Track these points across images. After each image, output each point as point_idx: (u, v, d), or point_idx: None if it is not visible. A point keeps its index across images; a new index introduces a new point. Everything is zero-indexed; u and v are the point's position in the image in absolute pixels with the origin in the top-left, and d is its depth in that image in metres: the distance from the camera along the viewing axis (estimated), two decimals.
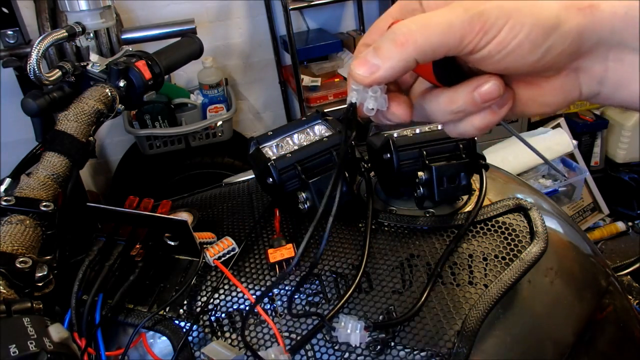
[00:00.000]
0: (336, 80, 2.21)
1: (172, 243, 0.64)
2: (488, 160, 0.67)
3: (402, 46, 0.30)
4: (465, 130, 0.35)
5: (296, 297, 0.60)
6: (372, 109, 0.34)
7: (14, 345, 0.38)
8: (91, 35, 0.88)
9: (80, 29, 0.81)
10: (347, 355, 0.54)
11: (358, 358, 0.54)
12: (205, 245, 0.65)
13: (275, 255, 0.63)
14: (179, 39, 0.88)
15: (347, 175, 0.63)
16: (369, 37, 0.37)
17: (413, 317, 0.55)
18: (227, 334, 0.59)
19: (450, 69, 0.33)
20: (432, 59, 0.31)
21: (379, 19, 0.37)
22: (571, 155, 2.06)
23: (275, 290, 0.61)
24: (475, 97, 0.32)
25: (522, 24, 0.29)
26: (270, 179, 0.64)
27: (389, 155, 0.64)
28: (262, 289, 0.62)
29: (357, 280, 0.58)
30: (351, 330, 0.52)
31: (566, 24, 0.29)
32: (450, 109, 0.34)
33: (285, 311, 0.59)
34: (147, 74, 0.73)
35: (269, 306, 0.60)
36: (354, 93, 0.34)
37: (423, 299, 0.55)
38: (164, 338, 0.60)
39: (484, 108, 0.33)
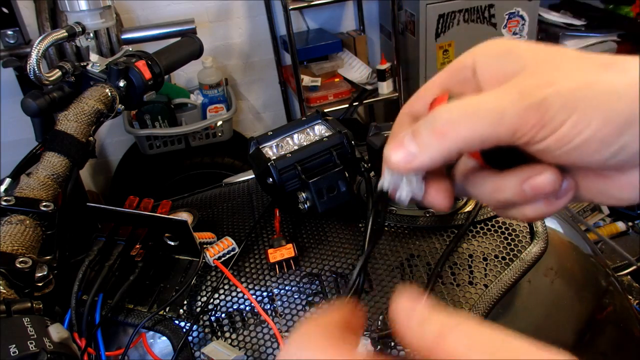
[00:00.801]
0: (336, 80, 2.21)
1: (172, 243, 0.64)
2: None
3: (443, 137, 0.26)
4: (515, 217, 0.31)
5: (296, 297, 0.60)
6: (406, 197, 0.31)
7: (14, 345, 0.38)
8: (91, 35, 0.88)
9: (80, 29, 0.81)
10: None
11: None
12: (205, 245, 0.65)
13: (275, 255, 0.63)
14: (179, 39, 0.88)
15: (347, 175, 0.63)
16: (412, 105, 0.32)
17: None
18: (227, 334, 0.59)
19: (500, 152, 0.27)
20: (480, 150, 0.27)
21: (424, 85, 0.32)
22: None
23: (275, 290, 0.61)
24: (526, 190, 0.28)
25: (590, 119, 0.24)
26: (270, 179, 0.64)
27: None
28: (262, 289, 0.62)
29: (357, 281, 0.58)
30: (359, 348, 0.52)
31: None
32: (496, 198, 0.30)
33: (286, 311, 0.59)
34: (147, 74, 0.73)
35: (269, 306, 0.60)
36: (387, 177, 0.31)
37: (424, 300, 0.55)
38: (164, 338, 0.60)
39: (537, 200, 0.29)
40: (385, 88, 2.16)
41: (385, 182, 0.31)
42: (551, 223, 0.69)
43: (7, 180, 0.63)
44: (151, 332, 0.60)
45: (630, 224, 2.04)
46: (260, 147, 0.68)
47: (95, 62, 0.73)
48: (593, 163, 0.26)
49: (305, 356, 0.22)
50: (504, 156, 0.28)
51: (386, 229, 0.65)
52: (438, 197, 0.31)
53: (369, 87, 2.19)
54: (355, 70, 2.26)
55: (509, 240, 0.61)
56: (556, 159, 0.26)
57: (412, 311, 0.23)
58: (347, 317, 0.24)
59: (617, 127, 0.24)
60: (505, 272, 0.57)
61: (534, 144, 0.26)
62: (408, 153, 0.27)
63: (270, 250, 0.63)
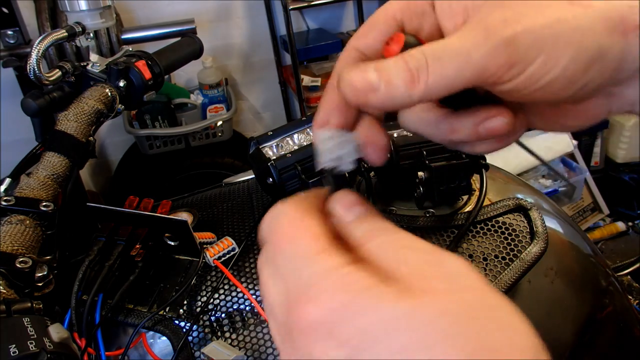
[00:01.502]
0: None
1: (172, 243, 0.64)
2: (488, 161, 0.67)
3: (413, 84, 0.25)
4: (464, 151, 0.31)
5: None
6: (348, 164, 0.29)
7: (14, 345, 0.38)
8: (91, 35, 0.88)
9: (80, 29, 0.81)
10: None
11: None
12: (205, 245, 0.65)
13: None
14: (179, 39, 0.88)
15: (347, 175, 0.63)
16: (362, 38, 0.30)
17: None
18: (227, 334, 0.59)
19: (458, 93, 0.27)
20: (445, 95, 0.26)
21: (375, 15, 0.30)
22: (571, 155, 2.06)
23: None
24: (481, 131, 0.28)
25: (559, 57, 0.24)
26: (270, 179, 0.64)
27: (389, 155, 0.64)
28: None
29: None
30: None
31: (609, 53, 0.24)
32: (450, 138, 0.30)
33: None
34: (147, 74, 0.73)
35: None
36: (325, 155, 0.29)
37: None
38: (164, 338, 0.60)
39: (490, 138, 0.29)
40: None
41: (325, 159, 0.29)
42: (551, 223, 0.69)
43: (7, 180, 0.63)
44: (151, 332, 0.60)
45: (630, 224, 2.04)
46: (260, 147, 0.68)
47: (95, 62, 0.73)
48: (556, 99, 0.26)
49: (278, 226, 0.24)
50: (459, 96, 0.27)
51: None
52: (374, 155, 0.31)
53: None
54: None
55: (509, 240, 0.61)
56: (519, 97, 0.26)
57: (347, 210, 0.26)
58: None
59: (584, 64, 0.24)
60: (505, 272, 0.57)
61: (501, 84, 0.25)
62: (370, 84, 0.25)
63: None
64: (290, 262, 0.23)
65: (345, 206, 0.26)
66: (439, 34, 0.28)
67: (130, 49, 0.79)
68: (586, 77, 0.25)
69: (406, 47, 0.26)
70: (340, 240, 0.24)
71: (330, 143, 0.29)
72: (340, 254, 0.22)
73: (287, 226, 0.24)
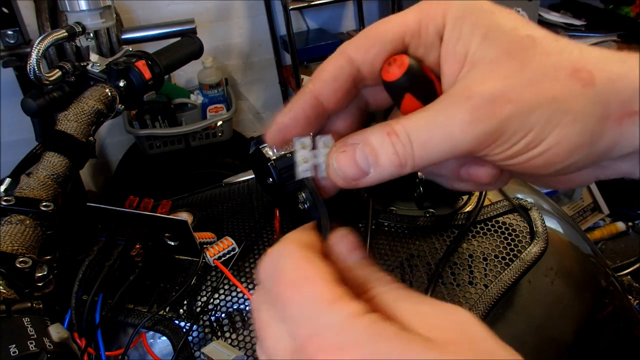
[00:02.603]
0: None
1: (172, 243, 0.64)
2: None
3: (401, 167, 0.25)
4: (441, 183, 0.30)
5: None
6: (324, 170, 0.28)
7: (14, 345, 0.38)
8: (91, 35, 0.88)
9: (80, 29, 0.81)
10: None
11: None
12: (205, 245, 0.65)
13: None
14: (179, 39, 0.88)
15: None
16: (359, 49, 0.27)
17: None
18: (227, 334, 0.59)
19: None
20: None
21: (382, 30, 0.27)
22: None
23: None
24: (463, 174, 0.28)
25: (545, 138, 0.23)
26: (270, 179, 0.64)
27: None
28: None
29: None
30: None
31: (600, 142, 0.23)
32: (430, 170, 0.29)
33: None
34: (147, 74, 0.73)
35: None
36: (301, 166, 0.28)
37: None
38: (164, 338, 0.60)
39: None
40: None
41: (303, 169, 0.28)
42: (551, 223, 0.69)
43: (7, 180, 0.63)
44: (151, 332, 0.60)
45: (630, 223, 2.04)
46: (260, 147, 0.68)
47: (95, 62, 0.73)
48: (536, 173, 0.25)
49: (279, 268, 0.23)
50: None
51: (386, 229, 0.65)
52: (329, 186, 0.31)
53: None
54: None
55: (509, 240, 0.61)
56: (502, 167, 0.26)
57: (350, 253, 0.25)
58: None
59: (569, 151, 0.23)
60: (505, 272, 0.57)
61: (483, 156, 0.25)
62: (361, 171, 0.26)
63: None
64: (301, 309, 0.22)
65: (348, 248, 0.25)
66: (438, 69, 0.27)
67: (130, 49, 0.79)
68: (570, 160, 0.24)
69: (408, 72, 0.26)
70: (344, 282, 0.24)
71: (306, 152, 0.28)
72: (356, 301, 0.22)
73: (293, 271, 0.23)
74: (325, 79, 0.28)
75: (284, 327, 0.22)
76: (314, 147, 0.28)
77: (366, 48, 0.27)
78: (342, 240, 0.26)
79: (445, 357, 0.19)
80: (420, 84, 0.26)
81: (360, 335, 0.20)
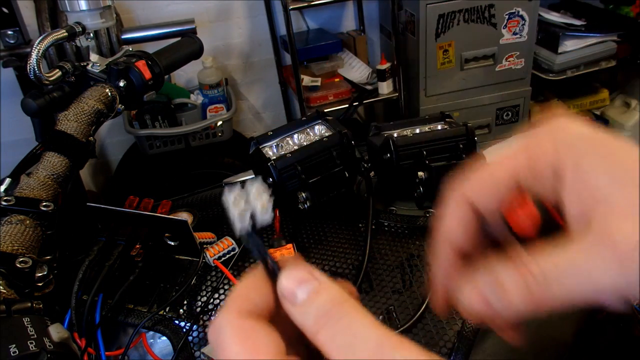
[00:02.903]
0: (336, 80, 2.21)
1: (172, 243, 0.64)
2: (488, 160, 0.67)
3: (532, 305, 0.24)
4: (459, 310, 0.29)
5: None
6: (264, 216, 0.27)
7: (14, 345, 0.37)
8: (91, 35, 0.88)
9: (80, 29, 0.81)
10: None
11: None
12: (205, 245, 0.65)
13: (275, 255, 0.63)
14: (179, 39, 0.88)
15: (347, 175, 0.63)
16: (474, 191, 0.28)
17: (415, 324, 0.55)
18: None
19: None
20: None
21: (495, 168, 0.28)
22: None
23: None
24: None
25: None
26: (270, 179, 0.64)
27: (389, 155, 0.64)
28: None
29: (358, 281, 0.58)
30: None
31: None
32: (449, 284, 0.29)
33: None
34: (147, 74, 0.73)
35: None
36: (239, 225, 0.27)
37: (425, 305, 0.55)
38: (164, 338, 0.60)
39: None
40: (385, 88, 2.16)
41: (241, 224, 0.27)
42: None
43: (7, 180, 0.63)
44: (151, 332, 0.60)
45: None
46: (260, 147, 0.68)
47: (95, 62, 0.73)
48: None
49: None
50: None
51: (386, 229, 0.65)
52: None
53: (369, 87, 2.19)
54: (356, 70, 2.26)
55: None
56: None
57: (298, 289, 0.24)
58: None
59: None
60: None
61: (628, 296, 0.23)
62: (491, 308, 0.25)
63: (270, 250, 0.63)
64: None
65: (290, 290, 0.24)
66: (555, 199, 0.26)
67: (130, 49, 0.79)
68: None
69: (541, 225, 0.26)
70: (292, 333, 0.23)
71: (239, 206, 0.27)
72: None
73: (235, 344, 0.22)
74: (455, 228, 0.29)
75: None
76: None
77: (481, 189, 0.28)
78: (286, 279, 0.25)
79: None
80: (546, 228, 0.27)
81: None
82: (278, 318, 0.24)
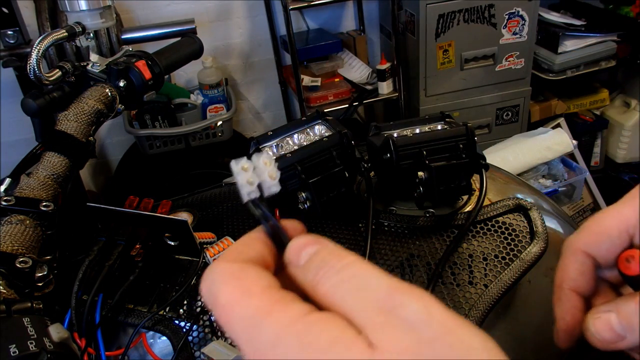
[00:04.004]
0: (336, 80, 2.21)
1: (172, 243, 0.64)
2: (488, 160, 0.67)
3: None
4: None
5: None
6: (272, 188, 0.28)
7: (14, 345, 0.38)
8: (91, 35, 0.88)
9: (80, 29, 0.81)
10: None
11: None
12: (205, 245, 0.65)
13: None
14: (179, 39, 0.88)
15: (347, 175, 0.63)
16: (591, 246, 0.34)
17: None
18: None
19: None
20: None
21: (608, 223, 0.34)
22: (571, 155, 2.06)
23: None
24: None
25: None
26: None
27: (389, 155, 0.64)
28: None
29: None
30: None
31: None
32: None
33: None
34: (147, 74, 0.73)
35: None
36: (246, 189, 0.27)
37: None
38: (164, 338, 0.60)
39: None
40: (385, 88, 2.16)
41: (247, 191, 0.27)
42: (551, 223, 0.69)
43: (7, 180, 0.63)
44: (151, 332, 0.60)
45: None
46: (260, 147, 0.68)
47: (95, 62, 0.73)
48: None
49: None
50: None
51: (386, 229, 0.65)
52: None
53: (369, 87, 2.19)
54: (355, 70, 2.26)
55: (509, 240, 0.61)
56: None
57: (304, 251, 0.24)
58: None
59: None
60: (505, 272, 0.57)
61: None
62: (617, 335, 0.31)
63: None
64: (240, 327, 0.21)
65: (295, 252, 0.24)
66: None
67: (130, 49, 0.79)
68: None
69: None
70: (299, 290, 0.23)
71: (247, 174, 0.27)
72: (296, 302, 0.21)
73: (225, 285, 0.22)
74: (575, 277, 0.35)
75: (242, 348, 0.22)
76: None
77: (597, 243, 0.34)
78: (290, 245, 0.25)
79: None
80: None
81: (296, 343, 0.20)
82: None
